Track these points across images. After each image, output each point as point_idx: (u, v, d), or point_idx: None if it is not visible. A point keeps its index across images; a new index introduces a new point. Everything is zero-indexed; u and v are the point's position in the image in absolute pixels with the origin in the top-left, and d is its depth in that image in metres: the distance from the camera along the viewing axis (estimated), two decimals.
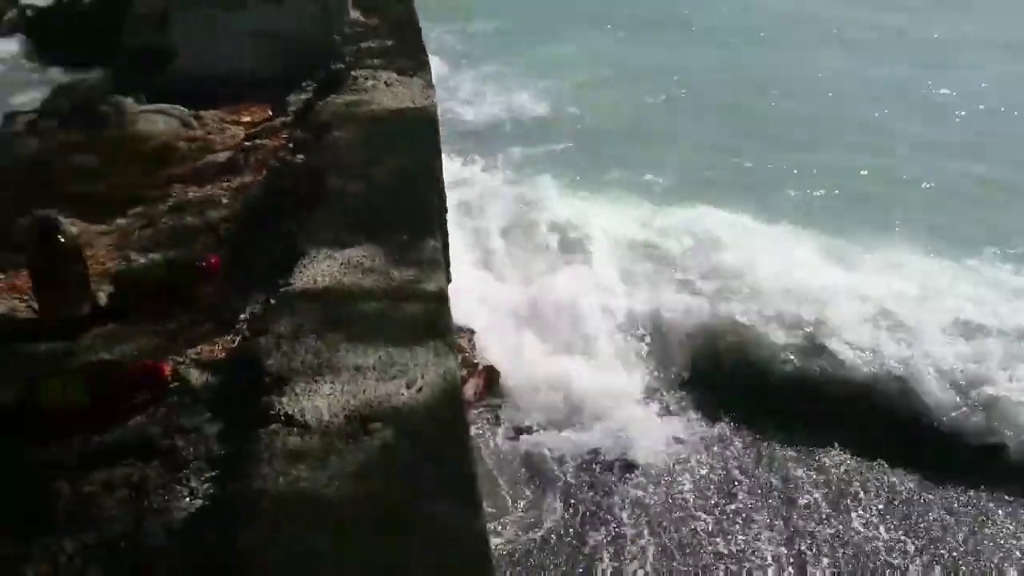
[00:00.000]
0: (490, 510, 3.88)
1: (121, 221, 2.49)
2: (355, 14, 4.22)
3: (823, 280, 6.32)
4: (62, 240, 1.85)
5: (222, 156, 3.13)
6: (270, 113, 3.71)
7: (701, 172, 8.80)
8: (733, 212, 7.44)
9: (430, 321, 1.54)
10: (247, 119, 3.69)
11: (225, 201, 2.58)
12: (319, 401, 1.29)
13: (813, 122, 10.22)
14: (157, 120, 3.41)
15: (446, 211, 2.13)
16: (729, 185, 8.41)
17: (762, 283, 6.22)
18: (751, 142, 9.60)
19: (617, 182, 8.35)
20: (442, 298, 1.62)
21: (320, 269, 1.72)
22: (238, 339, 1.67)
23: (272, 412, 1.28)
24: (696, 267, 6.57)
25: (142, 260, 2.21)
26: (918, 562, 4.25)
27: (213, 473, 1.31)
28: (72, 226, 2.42)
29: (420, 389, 1.33)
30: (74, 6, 14.62)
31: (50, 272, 1.83)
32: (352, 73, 3.19)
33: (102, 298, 1.99)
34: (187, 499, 1.27)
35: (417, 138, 2.48)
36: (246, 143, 3.14)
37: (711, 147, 9.52)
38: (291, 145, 2.88)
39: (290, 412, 1.27)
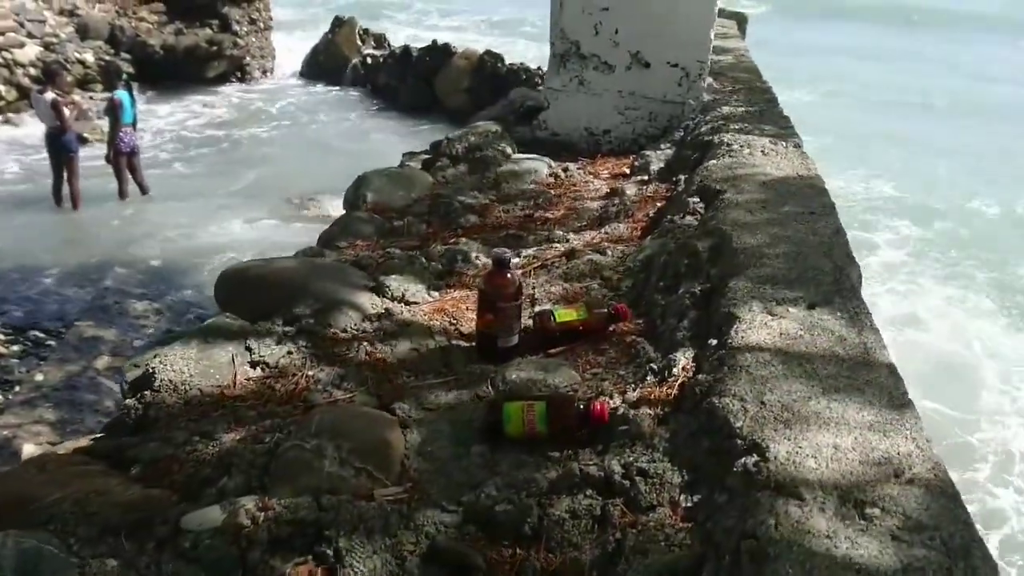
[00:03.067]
0: None
1: (515, 260, 2.68)
2: (708, 79, 4.32)
3: None
4: (510, 276, 2.05)
5: (591, 205, 3.33)
6: (627, 170, 3.90)
7: None
8: None
9: (897, 406, 1.48)
10: (605, 173, 3.90)
11: (609, 251, 2.72)
12: (807, 474, 1.28)
13: None
14: (530, 167, 3.73)
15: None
16: None
17: None
18: None
19: None
20: (898, 377, 1.55)
21: (761, 336, 1.72)
22: (674, 392, 1.72)
23: (759, 477, 1.29)
24: None
25: (558, 302, 2.40)
26: None
27: (687, 524, 1.35)
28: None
29: (911, 481, 1.27)
30: (406, 56, 16.66)
31: (496, 301, 2.02)
32: (723, 138, 3.22)
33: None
34: (662, 543, 1.32)
35: (817, 208, 2.44)
36: (613, 197, 3.32)
37: None
38: (670, 203, 2.99)
39: (780, 480, 1.27)
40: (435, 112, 15.79)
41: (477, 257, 2.69)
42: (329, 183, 11.19)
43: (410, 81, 16.41)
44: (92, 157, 10.52)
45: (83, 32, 15.11)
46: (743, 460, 1.35)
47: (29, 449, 5.57)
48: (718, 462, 1.42)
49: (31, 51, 14.03)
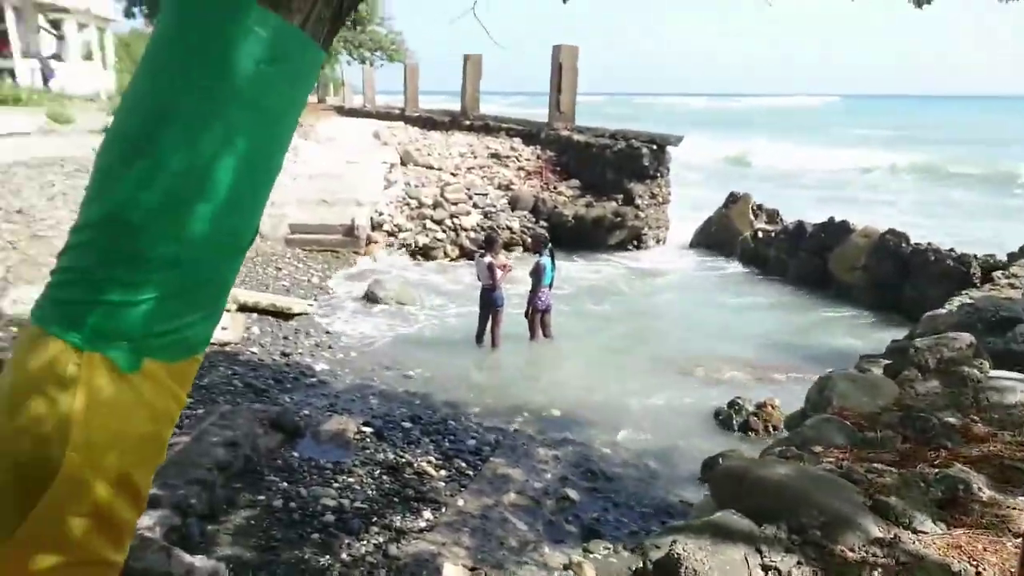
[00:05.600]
0: None
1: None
2: None
3: None
4: None
5: None
6: None
7: None
8: None
9: None
10: None
11: None
12: None
13: None
14: (1015, 387, 3.43)
15: None
16: None
17: None
18: None
19: None
20: None
21: None
22: None
23: None
24: None
25: None
26: None
27: None
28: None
29: None
30: (799, 231, 16.61)
31: None
32: None
33: None
34: None
35: None
36: None
37: None
38: None
39: None
40: (826, 288, 15.41)
41: (980, 490, 2.52)
42: (718, 349, 11.45)
43: (801, 256, 16.30)
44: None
45: (514, 203, 17.82)
46: None
47: (450, 569, 6.26)
48: None
49: (474, 218, 16.89)
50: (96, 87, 23.83)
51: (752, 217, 18.25)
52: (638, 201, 18.25)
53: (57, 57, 22.99)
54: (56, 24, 23.71)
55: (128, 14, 39.37)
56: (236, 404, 8.49)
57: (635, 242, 18.33)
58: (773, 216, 18.49)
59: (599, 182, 18.80)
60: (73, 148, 13.42)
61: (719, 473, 2.55)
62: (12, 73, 20.87)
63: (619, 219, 17.90)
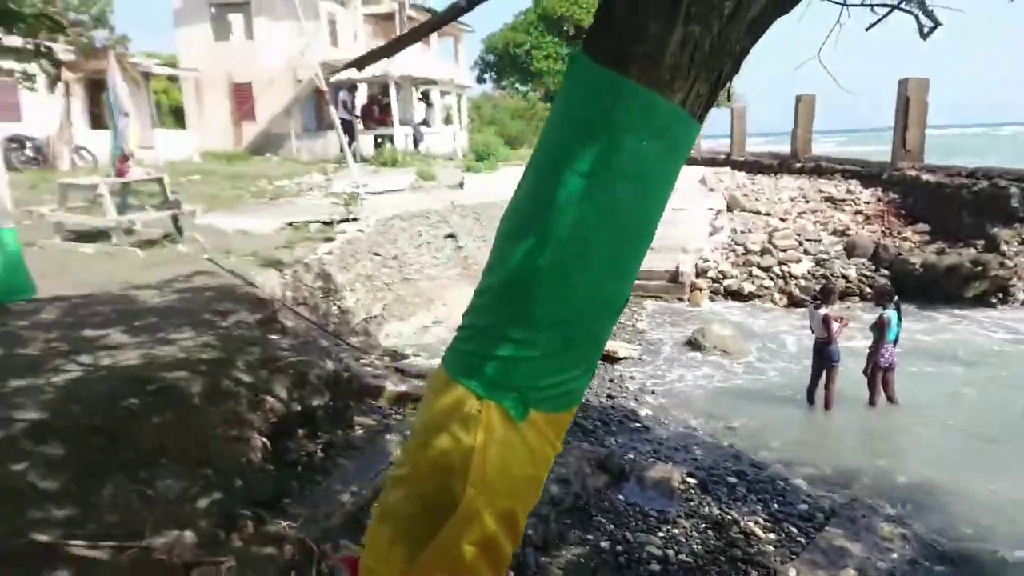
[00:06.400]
0: None
1: None
2: None
3: None
4: None
5: None
6: None
7: None
8: None
9: None
10: None
11: None
12: None
13: None
14: None
15: None
16: None
17: None
18: None
19: None
20: None
21: None
22: None
23: None
24: None
25: None
26: None
27: None
28: None
29: None
30: None
31: None
32: None
33: None
34: None
35: None
36: None
37: None
38: None
39: None
40: None
41: None
42: None
43: None
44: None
45: (850, 250, 16.53)
46: None
47: None
48: None
49: (804, 266, 15.99)
50: (454, 147, 27.16)
51: None
52: (1004, 248, 15.81)
53: (425, 123, 26.65)
54: (425, 94, 27.54)
55: (480, 80, 44.56)
56: (567, 443, 8.94)
57: (999, 295, 15.84)
58: None
59: (953, 226, 16.69)
60: (436, 202, 15.37)
61: None
62: (392, 139, 24.62)
63: (979, 268, 15.64)
